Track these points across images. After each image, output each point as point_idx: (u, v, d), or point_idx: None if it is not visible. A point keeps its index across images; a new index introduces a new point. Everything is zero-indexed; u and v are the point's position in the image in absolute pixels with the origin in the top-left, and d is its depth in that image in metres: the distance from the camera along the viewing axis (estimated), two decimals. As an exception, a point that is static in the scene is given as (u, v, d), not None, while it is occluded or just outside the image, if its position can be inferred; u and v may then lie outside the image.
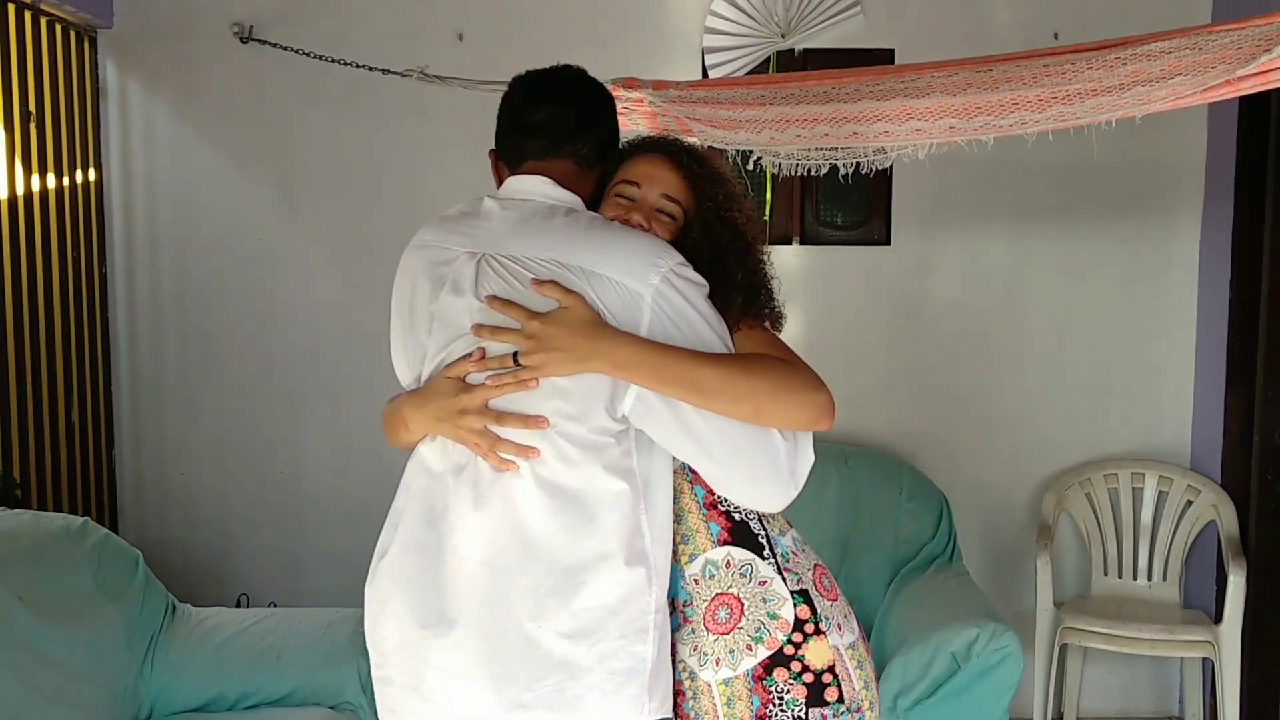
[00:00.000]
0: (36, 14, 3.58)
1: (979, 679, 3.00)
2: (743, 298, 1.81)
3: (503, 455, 1.65)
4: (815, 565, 1.82)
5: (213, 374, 4.10)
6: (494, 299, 1.67)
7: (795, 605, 1.74)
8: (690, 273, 1.71)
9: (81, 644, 2.79)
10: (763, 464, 1.68)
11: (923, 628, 3.10)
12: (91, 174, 3.93)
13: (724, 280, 1.79)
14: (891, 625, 3.32)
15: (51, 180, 3.68)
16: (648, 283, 1.66)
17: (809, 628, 1.73)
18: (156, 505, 4.11)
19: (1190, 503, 3.98)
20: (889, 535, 3.69)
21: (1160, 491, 4.03)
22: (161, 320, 4.08)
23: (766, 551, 1.76)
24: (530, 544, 1.65)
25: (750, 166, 3.11)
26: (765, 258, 1.90)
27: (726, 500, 1.76)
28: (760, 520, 1.78)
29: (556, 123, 1.84)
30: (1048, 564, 3.82)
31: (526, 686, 1.64)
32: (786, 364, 1.70)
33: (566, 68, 1.92)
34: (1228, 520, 3.85)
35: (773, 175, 3.65)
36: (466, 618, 1.67)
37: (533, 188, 1.81)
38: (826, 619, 1.76)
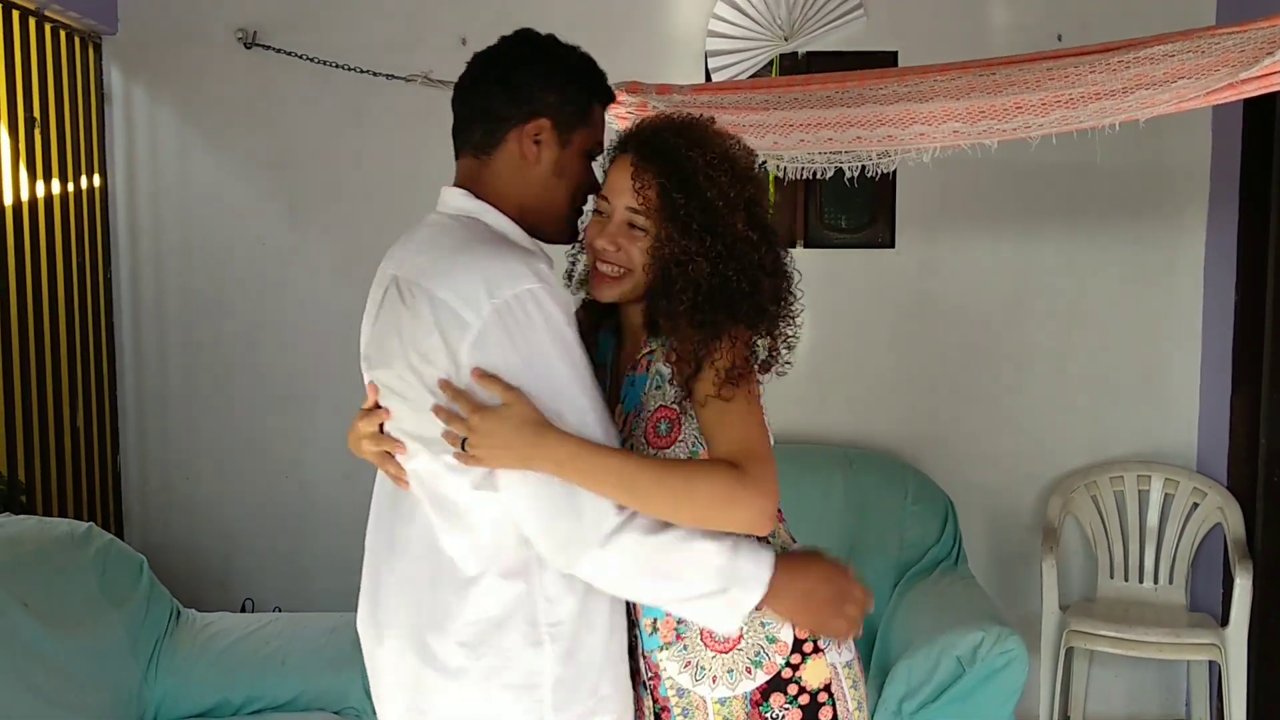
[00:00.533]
0: (41, 20, 3.58)
1: (984, 682, 3.00)
2: (721, 338, 1.67)
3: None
4: None
5: (217, 379, 4.10)
6: (446, 384, 1.60)
7: (794, 625, 1.73)
8: (540, 302, 1.59)
9: (86, 649, 2.79)
10: (561, 525, 1.61)
11: (928, 631, 3.09)
12: (96, 180, 3.94)
13: (690, 314, 1.69)
14: (896, 629, 3.32)
15: (56, 186, 3.69)
16: (479, 313, 1.57)
17: (808, 647, 1.73)
18: (161, 510, 4.12)
19: (1196, 505, 3.97)
20: (894, 538, 3.68)
21: (1166, 494, 4.02)
22: (166, 325, 4.09)
23: None
24: (435, 557, 1.67)
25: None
26: (770, 279, 1.74)
27: None
28: (764, 540, 1.75)
29: (456, 112, 1.79)
30: (1053, 567, 3.81)
31: (425, 695, 1.67)
32: (733, 472, 1.60)
33: (503, 39, 1.83)
34: (1234, 523, 3.84)
35: (776, 179, 3.65)
36: (391, 630, 1.73)
37: (444, 199, 1.77)
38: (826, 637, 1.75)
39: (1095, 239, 4.06)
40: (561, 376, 1.60)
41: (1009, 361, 4.13)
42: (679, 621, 1.75)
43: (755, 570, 1.63)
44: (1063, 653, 3.79)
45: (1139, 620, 3.77)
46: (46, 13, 3.58)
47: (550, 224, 1.78)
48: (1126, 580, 4.04)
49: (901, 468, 3.86)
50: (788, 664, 1.72)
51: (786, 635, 1.72)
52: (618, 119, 3.03)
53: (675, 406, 1.72)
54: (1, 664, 2.51)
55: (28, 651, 2.61)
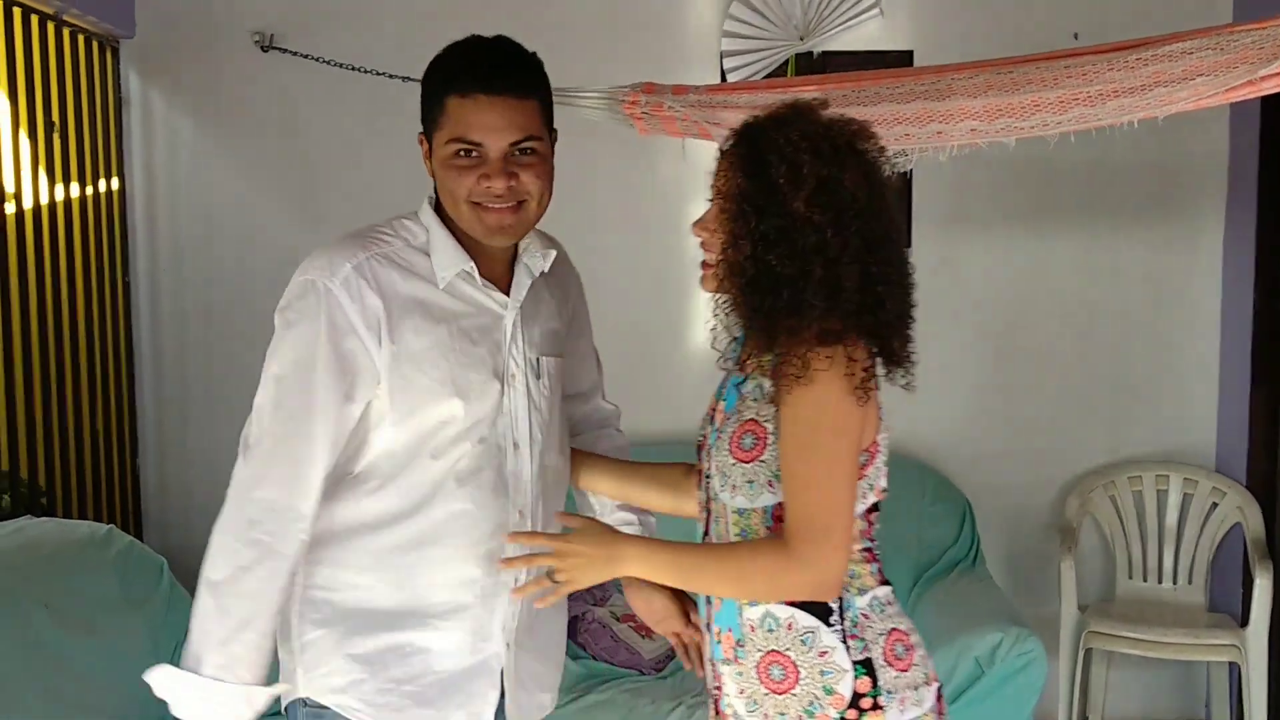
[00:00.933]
0: (60, 25, 3.60)
1: (1003, 684, 2.99)
2: (764, 332, 1.64)
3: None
4: (891, 630, 1.68)
5: (235, 381, 4.10)
6: (518, 533, 1.81)
7: (855, 678, 1.62)
8: (312, 291, 1.72)
9: (106, 651, 2.81)
10: None
11: (946, 632, 3.08)
12: (114, 183, 3.95)
13: (737, 305, 1.68)
14: (914, 629, 3.31)
15: (75, 190, 3.70)
16: (290, 286, 1.79)
17: (866, 703, 1.62)
18: (180, 512, 4.13)
19: (1215, 505, 3.95)
20: (911, 539, 3.68)
21: (1185, 494, 4.00)
22: (184, 328, 4.10)
23: (834, 617, 1.64)
24: None
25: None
26: (828, 267, 1.59)
27: None
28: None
29: None
30: (1072, 567, 3.80)
31: None
32: (782, 555, 1.58)
33: None
34: (1253, 523, 3.82)
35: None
36: None
37: None
38: (889, 693, 1.63)
39: (1113, 237, 4.05)
40: (295, 359, 1.74)
41: (1026, 361, 4.12)
42: (738, 643, 1.69)
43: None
44: (1081, 653, 3.78)
45: (1158, 621, 3.75)
46: (65, 17, 3.59)
47: (465, 228, 1.80)
48: (1145, 580, 4.02)
49: (919, 468, 3.86)
50: (841, 718, 1.62)
51: (845, 688, 1.61)
52: (634, 119, 3.03)
53: (767, 425, 1.65)
54: (22, 665, 2.53)
55: (48, 653, 2.63)
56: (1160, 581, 4.01)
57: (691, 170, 3.98)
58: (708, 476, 1.75)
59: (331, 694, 1.80)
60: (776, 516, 1.65)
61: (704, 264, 1.73)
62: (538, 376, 1.87)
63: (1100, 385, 4.11)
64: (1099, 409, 4.11)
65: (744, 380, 1.72)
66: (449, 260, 1.79)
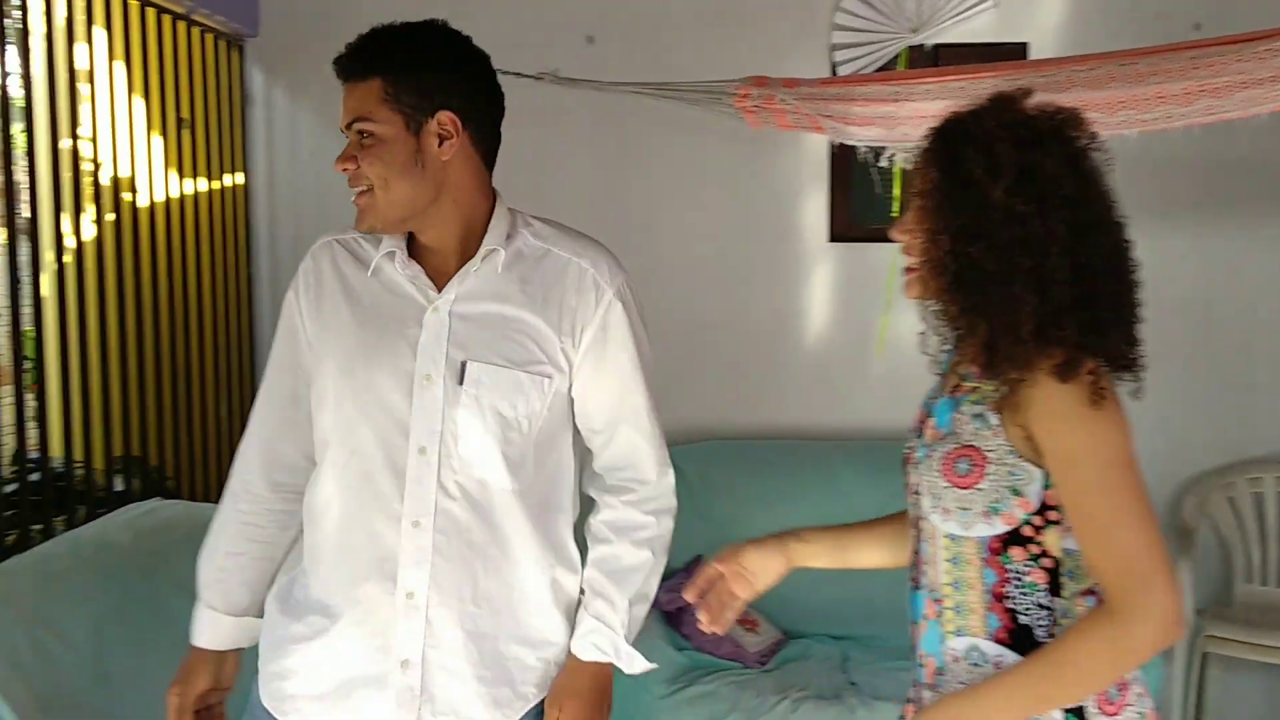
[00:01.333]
0: (189, 24, 3.73)
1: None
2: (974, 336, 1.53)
3: None
4: None
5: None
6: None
7: None
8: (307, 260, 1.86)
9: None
10: None
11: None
12: (239, 178, 4.08)
13: (944, 307, 1.58)
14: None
15: (202, 184, 3.83)
16: None
17: None
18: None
19: (1340, 508, 3.84)
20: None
21: (1308, 496, 3.90)
22: (303, 319, 4.21)
23: None
24: None
25: (883, 163, 3.10)
26: (1036, 261, 1.48)
27: (1015, 597, 1.54)
28: (1050, 626, 1.54)
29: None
30: (1189, 570, 3.72)
31: None
32: (1105, 628, 1.45)
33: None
34: (1381, 527, 3.71)
35: (904, 171, 3.62)
36: None
37: None
38: None
39: (1234, 233, 3.95)
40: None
41: (1143, 358, 4.03)
42: (938, 670, 1.62)
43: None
44: (1198, 659, 3.70)
45: (1277, 626, 3.65)
46: (194, 17, 3.72)
47: None
48: (1265, 584, 3.91)
49: (1030, 466, 3.80)
50: None
51: None
52: (745, 113, 3.05)
53: (989, 454, 1.54)
54: (162, 647, 2.60)
55: (183, 633, 2.71)
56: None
57: (797, 165, 3.98)
58: (916, 493, 1.65)
59: (260, 661, 1.93)
60: (992, 549, 1.55)
61: (907, 269, 1.62)
62: (460, 382, 1.71)
63: (1220, 384, 4.01)
64: (1218, 408, 4.01)
65: (960, 401, 1.60)
66: (383, 245, 1.80)
